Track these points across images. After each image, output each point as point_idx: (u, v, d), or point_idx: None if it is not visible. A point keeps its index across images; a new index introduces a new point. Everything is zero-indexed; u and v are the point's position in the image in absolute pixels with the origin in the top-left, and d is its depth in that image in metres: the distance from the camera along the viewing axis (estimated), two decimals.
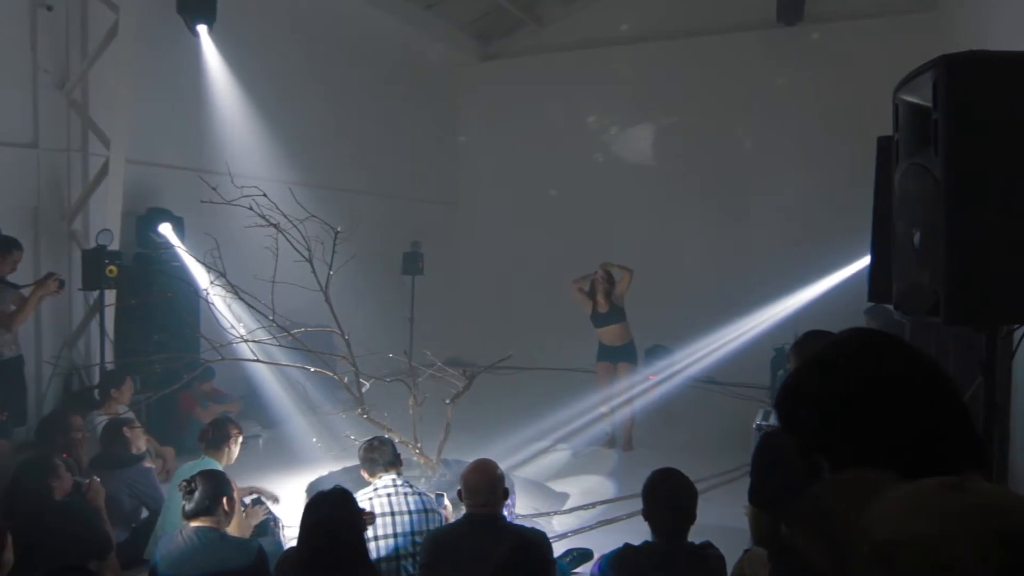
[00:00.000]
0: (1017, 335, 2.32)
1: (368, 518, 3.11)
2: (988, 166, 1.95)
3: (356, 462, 4.01)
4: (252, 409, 7.13)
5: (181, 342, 6.15)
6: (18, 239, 5.38)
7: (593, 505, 5.43)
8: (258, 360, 5.25)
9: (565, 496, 5.68)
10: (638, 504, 2.92)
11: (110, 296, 6.36)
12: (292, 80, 8.48)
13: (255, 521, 4.09)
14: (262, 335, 5.13)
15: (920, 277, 2.13)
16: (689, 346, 8.59)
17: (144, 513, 4.56)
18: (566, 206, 11.21)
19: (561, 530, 4.93)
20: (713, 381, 9.03)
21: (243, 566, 3.04)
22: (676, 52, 10.29)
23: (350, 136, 9.42)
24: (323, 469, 5.21)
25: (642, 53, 10.54)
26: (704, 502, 2.99)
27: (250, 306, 4.89)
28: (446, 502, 3.95)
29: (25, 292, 5.32)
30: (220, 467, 4.03)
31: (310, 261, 4.85)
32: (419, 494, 3.64)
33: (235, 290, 4.83)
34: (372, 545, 3.30)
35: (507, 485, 3.34)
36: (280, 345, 5.14)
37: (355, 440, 4.45)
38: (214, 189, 4.67)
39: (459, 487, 3.19)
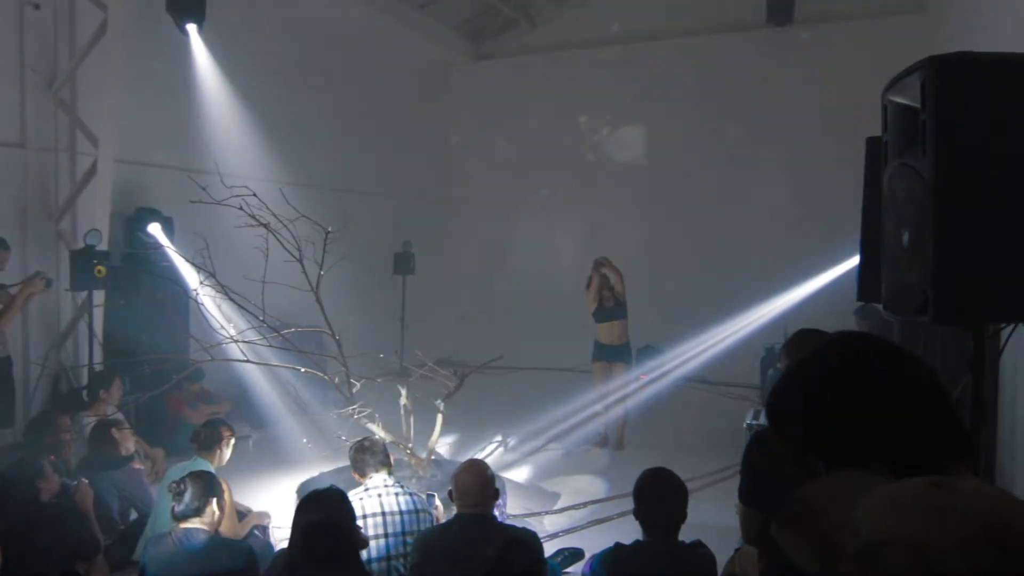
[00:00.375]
0: (1004, 334, 2.34)
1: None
2: (975, 166, 1.96)
3: (347, 463, 4.00)
4: (242, 410, 7.10)
5: (170, 343, 6.12)
6: (5, 239, 5.35)
7: (584, 505, 5.44)
8: (248, 361, 5.23)
9: (556, 496, 5.69)
10: (629, 503, 2.93)
11: (98, 297, 6.33)
12: (283, 79, 8.45)
13: (245, 531, 4.10)
14: (252, 336, 5.11)
15: (909, 277, 2.14)
16: (680, 346, 8.62)
17: (133, 515, 4.53)
18: (558, 206, 11.23)
19: (552, 530, 4.93)
20: (704, 380, 9.05)
21: (233, 568, 3.03)
22: (667, 53, 10.32)
23: (341, 136, 9.40)
24: (314, 470, 5.20)
25: (633, 54, 10.56)
26: (695, 501, 3.00)
27: (240, 306, 4.87)
28: (437, 502, 3.94)
29: (12, 292, 5.28)
30: (212, 468, 4.02)
31: (300, 261, 4.83)
32: (410, 494, 3.63)
33: (225, 290, 4.81)
34: None
35: (498, 485, 3.34)
36: (270, 346, 5.12)
37: (346, 441, 4.44)
38: (204, 189, 4.65)
39: (450, 487, 3.19)
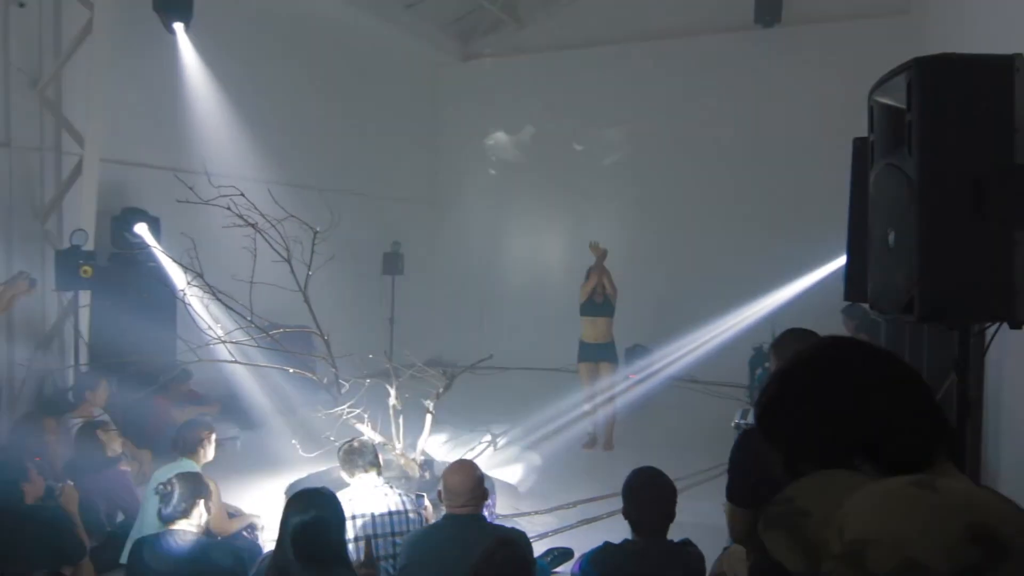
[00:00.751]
0: (989, 333, 2.36)
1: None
2: (960, 167, 1.98)
3: (336, 463, 3.99)
4: (230, 411, 7.06)
5: (157, 344, 6.07)
6: None
7: (573, 504, 5.44)
8: (236, 362, 5.20)
9: (545, 496, 5.69)
10: (618, 503, 2.93)
11: (85, 297, 6.28)
12: (270, 79, 8.42)
13: (235, 528, 4.09)
14: (240, 336, 5.09)
15: (895, 276, 2.16)
16: (668, 345, 8.65)
17: (120, 517, 4.50)
18: (546, 206, 11.24)
19: (542, 529, 4.94)
20: (693, 380, 9.08)
21: (221, 569, 3.01)
22: (655, 53, 10.34)
23: (329, 135, 9.37)
24: (302, 471, 5.18)
25: (621, 54, 10.58)
26: (684, 500, 3.01)
27: (228, 307, 4.84)
28: (426, 503, 3.94)
29: None
30: (198, 467, 4.00)
31: (289, 261, 4.81)
32: (399, 495, 3.63)
33: (212, 291, 4.79)
34: (352, 546, 3.28)
35: (487, 485, 3.34)
36: (259, 346, 5.09)
37: (334, 441, 4.43)
38: (191, 189, 4.62)
39: (439, 488, 3.19)
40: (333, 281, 5.64)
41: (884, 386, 1.14)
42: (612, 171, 10.91)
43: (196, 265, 4.65)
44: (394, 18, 10.07)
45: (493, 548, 2.48)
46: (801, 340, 2.66)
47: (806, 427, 1.15)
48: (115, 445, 4.79)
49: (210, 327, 5.06)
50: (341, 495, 3.13)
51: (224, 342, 4.95)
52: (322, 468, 5.06)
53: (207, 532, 3.32)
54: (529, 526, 4.91)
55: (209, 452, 4.24)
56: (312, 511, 2.63)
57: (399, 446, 5.05)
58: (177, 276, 5.68)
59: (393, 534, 3.45)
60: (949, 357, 2.27)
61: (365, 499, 3.52)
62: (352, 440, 3.88)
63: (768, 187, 9.52)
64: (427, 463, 5.20)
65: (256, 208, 4.74)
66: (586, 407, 7.04)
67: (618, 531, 3.00)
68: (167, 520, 3.11)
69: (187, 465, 3.97)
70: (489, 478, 4.29)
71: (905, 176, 2.06)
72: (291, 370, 5.18)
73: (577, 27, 10.95)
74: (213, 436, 4.30)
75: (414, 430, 5.17)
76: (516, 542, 2.65)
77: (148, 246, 6.34)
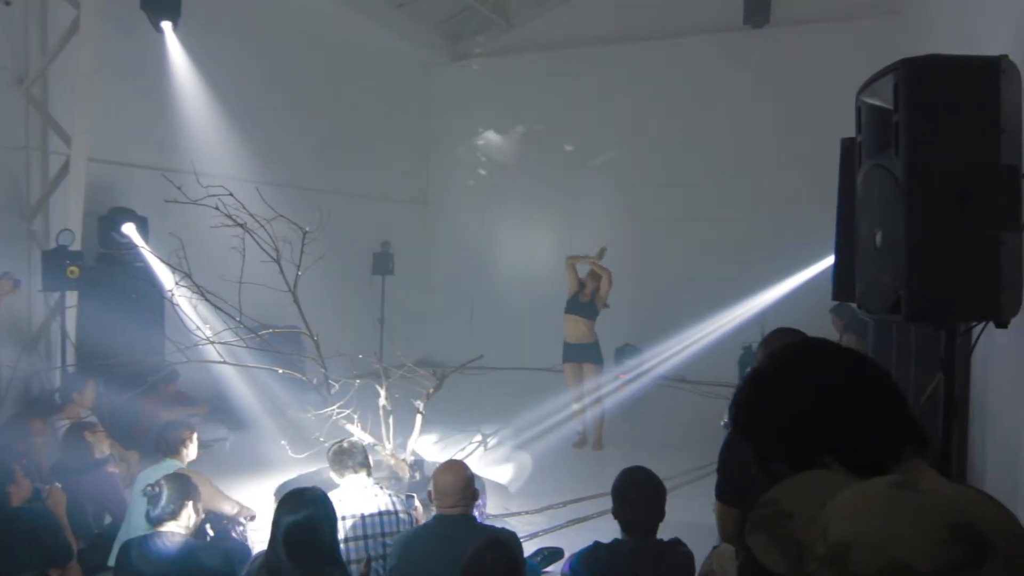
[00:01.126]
0: (975, 332, 2.38)
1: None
2: (947, 167, 1.99)
3: (325, 464, 3.97)
4: (219, 412, 7.03)
5: (145, 344, 6.03)
6: None
7: (563, 504, 5.45)
8: (225, 362, 5.17)
9: (536, 495, 5.69)
10: (608, 503, 2.94)
11: (71, 298, 6.23)
12: (259, 78, 8.38)
13: (232, 511, 4.13)
14: (229, 337, 5.06)
15: (882, 276, 2.17)
16: (658, 345, 8.67)
17: (107, 519, 4.47)
18: (536, 206, 11.24)
19: (532, 529, 4.94)
20: (682, 379, 9.11)
21: (210, 570, 3.00)
22: (644, 54, 10.36)
23: (319, 135, 9.33)
24: (292, 472, 5.16)
25: (611, 54, 10.59)
26: (673, 499, 3.02)
27: (216, 307, 4.82)
28: (416, 503, 3.93)
29: None
30: (183, 465, 3.99)
31: (278, 261, 4.79)
32: (389, 495, 3.62)
33: (201, 291, 4.76)
34: (342, 547, 3.27)
35: (477, 486, 3.34)
36: (247, 347, 5.07)
37: (324, 442, 4.41)
38: (179, 188, 4.60)
39: (429, 488, 3.18)
40: (322, 281, 5.62)
41: (850, 387, 1.17)
42: (602, 171, 10.92)
43: (184, 265, 4.62)
44: (383, 18, 10.04)
45: (483, 548, 2.48)
46: (789, 340, 2.68)
47: (776, 427, 1.18)
48: (103, 447, 4.76)
49: (198, 327, 5.04)
50: (331, 496, 3.13)
51: (213, 343, 4.93)
52: (312, 469, 5.04)
53: (195, 533, 3.30)
54: (519, 526, 4.91)
55: (192, 451, 4.24)
56: (304, 511, 2.62)
57: (389, 446, 5.04)
58: (165, 276, 5.65)
59: (383, 535, 3.45)
60: (936, 356, 2.29)
61: (355, 500, 3.51)
62: (342, 441, 3.87)
63: (757, 187, 9.55)
64: (417, 463, 5.19)
65: (245, 208, 4.72)
66: (575, 406, 7.05)
67: (608, 531, 3.01)
68: (155, 522, 3.09)
69: (171, 465, 3.95)
70: (479, 478, 4.30)
71: (892, 176, 2.07)
72: (280, 371, 5.16)
73: (567, 27, 10.96)
74: (195, 435, 4.29)
75: (404, 430, 5.16)
76: (506, 542, 2.66)
77: (136, 246, 6.30)
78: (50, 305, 6.27)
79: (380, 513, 3.50)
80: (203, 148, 7.20)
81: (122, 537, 3.78)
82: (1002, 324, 2.08)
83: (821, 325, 6.19)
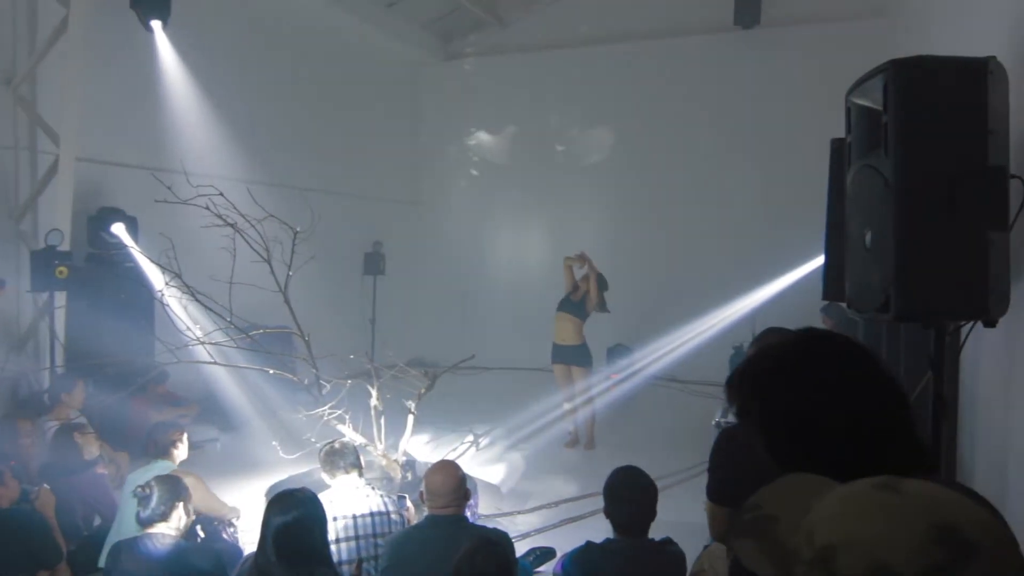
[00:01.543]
0: (964, 331, 2.39)
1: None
2: (935, 167, 2.00)
3: (317, 465, 3.96)
4: (210, 412, 7.00)
5: (135, 345, 6.00)
6: None
7: (555, 504, 5.45)
8: (215, 363, 5.15)
9: (528, 495, 5.70)
10: (600, 502, 2.94)
11: (60, 298, 6.18)
12: (250, 78, 8.34)
13: (223, 513, 4.10)
14: (219, 337, 5.04)
15: (871, 275, 2.18)
16: (650, 345, 8.69)
17: (97, 520, 4.44)
18: (528, 206, 11.25)
19: (524, 529, 4.94)
20: (674, 379, 9.13)
21: (200, 572, 2.98)
22: (635, 54, 10.38)
23: (310, 135, 9.31)
24: (283, 472, 5.14)
25: (601, 54, 10.60)
26: (665, 499, 3.02)
27: (207, 307, 4.80)
28: (408, 504, 3.93)
29: None
30: (174, 466, 3.98)
31: (268, 262, 4.77)
32: (380, 496, 3.61)
33: (191, 291, 4.74)
34: (333, 548, 3.26)
35: (469, 486, 3.34)
36: (238, 347, 5.05)
37: (315, 442, 4.40)
38: (169, 188, 4.57)
39: (421, 488, 3.18)
40: (314, 281, 5.60)
41: (848, 386, 1.16)
42: (593, 171, 10.94)
43: (174, 265, 4.60)
44: (375, 17, 10.02)
45: (474, 548, 2.48)
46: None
47: (768, 426, 1.19)
48: (92, 448, 4.73)
49: (188, 328, 5.01)
50: (322, 497, 3.12)
51: (203, 343, 4.91)
52: (303, 470, 5.02)
53: (186, 534, 3.29)
54: (511, 526, 4.91)
55: (183, 451, 4.22)
56: (294, 512, 2.61)
57: (381, 447, 5.03)
58: (155, 276, 5.62)
59: (375, 535, 3.44)
60: (925, 356, 2.30)
61: (346, 500, 3.50)
62: (333, 441, 3.86)
63: (747, 187, 9.59)
64: (409, 464, 5.18)
65: (235, 208, 4.70)
66: (567, 406, 7.06)
67: (600, 530, 3.01)
68: (145, 523, 3.07)
69: (162, 466, 3.93)
70: (471, 478, 4.29)
71: (881, 176, 2.08)
72: (271, 371, 5.14)
73: (558, 27, 10.96)
74: (185, 436, 4.28)
75: (396, 431, 5.15)
76: (498, 542, 2.65)
77: (125, 246, 6.27)
78: (39, 305, 6.23)
79: (372, 514, 3.49)
80: (193, 147, 7.17)
81: (112, 538, 3.76)
82: (991, 323, 2.09)
83: (811, 324, 6.21)
